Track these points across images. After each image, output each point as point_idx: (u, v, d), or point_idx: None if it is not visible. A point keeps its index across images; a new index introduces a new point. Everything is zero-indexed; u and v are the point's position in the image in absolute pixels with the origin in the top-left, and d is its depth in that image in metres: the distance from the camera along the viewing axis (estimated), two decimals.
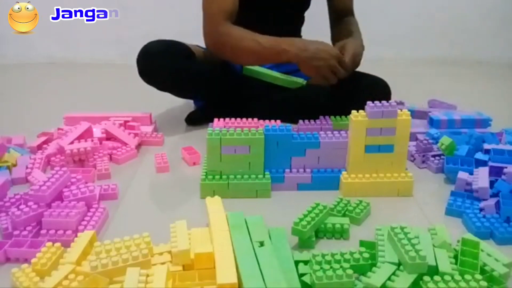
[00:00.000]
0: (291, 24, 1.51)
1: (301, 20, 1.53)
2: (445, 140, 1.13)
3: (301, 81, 1.40)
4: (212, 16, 1.25)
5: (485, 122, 1.33)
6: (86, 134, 1.19)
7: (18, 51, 2.42)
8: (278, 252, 0.74)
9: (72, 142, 1.14)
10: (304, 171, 1.04)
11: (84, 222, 0.86)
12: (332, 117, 1.32)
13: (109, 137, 1.26)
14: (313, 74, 1.18)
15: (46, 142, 1.24)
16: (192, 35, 1.48)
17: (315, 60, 1.15)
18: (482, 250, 0.75)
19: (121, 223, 0.92)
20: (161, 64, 1.27)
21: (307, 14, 1.52)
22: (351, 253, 0.73)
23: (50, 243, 0.77)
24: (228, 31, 1.23)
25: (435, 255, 0.74)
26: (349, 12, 1.46)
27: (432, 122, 1.32)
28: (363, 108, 0.99)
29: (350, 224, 0.87)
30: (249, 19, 1.36)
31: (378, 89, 1.32)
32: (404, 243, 0.72)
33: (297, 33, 1.55)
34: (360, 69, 1.31)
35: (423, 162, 1.17)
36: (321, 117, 1.31)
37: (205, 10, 1.26)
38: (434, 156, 1.17)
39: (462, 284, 0.67)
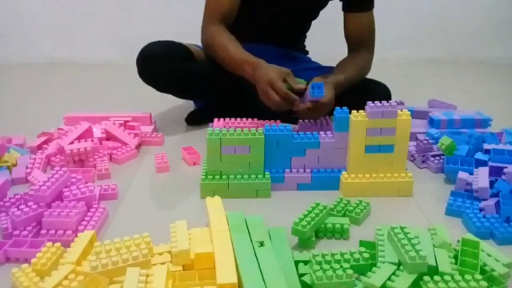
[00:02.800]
0: (297, 31, 1.50)
1: (307, 28, 1.53)
2: (445, 140, 1.13)
3: (301, 81, 1.39)
4: (207, 16, 1.29)
5: (485, 122, 1.33)
6: (86, 134, 1.19)
7: (18, 51, 2.42)
8: (278, 252, 0.74)
9: (72, 142, 1.14)
10: (304, 171, 1.04)
11: (84, 222, 0.86)
12: (332, 117, 1.32)
13: (109, 137, 1.25)
14: (261, 97, 1.15)
15: (46, 142, 1.24)
16: (192, 35, 1.48)
17: (256, 82, 1.14)
18: (482, 250, 0.75)
19: (121, 223, 0.92)
20: (160, 66, 1.28)
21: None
22: (351, 253, 0.74)
23: (50, 243, 0.77)
24: (215, 33, 1.26)
25: (435, 255, 0.74)
26: (364, 46, 1.35)
27: (432, 122, 1.32)
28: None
29: (350, 224, 0.87)
30: (256, 23, 1.37)
31: (379, 92, 1.32)
32: (404, 243, 0.72)
33: (301, 38, 1.55)
34: None
35: (423, 162, 1.17)
36: (321, 117, 1.31)
37: (205, 9, 1.30)
38: (434, 156, 1.17)
39: (462, 284, 0.67)
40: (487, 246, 0.78)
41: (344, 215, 0.91)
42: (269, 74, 1.11)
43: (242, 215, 0.81)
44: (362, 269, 0.73)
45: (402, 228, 0.75)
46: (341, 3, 1.35)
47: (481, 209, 0.93)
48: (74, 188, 0.91)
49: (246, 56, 1.20)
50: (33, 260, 0.73)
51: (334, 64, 1.45)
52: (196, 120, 1.46)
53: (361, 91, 1.26)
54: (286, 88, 1.11)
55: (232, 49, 1.22)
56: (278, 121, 1.31)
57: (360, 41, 1.35)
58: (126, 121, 1.33)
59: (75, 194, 0.90)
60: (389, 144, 1.00)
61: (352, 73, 1.26)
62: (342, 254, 0.73)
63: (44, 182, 0.89)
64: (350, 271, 0.68)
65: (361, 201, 0.95)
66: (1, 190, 0.96)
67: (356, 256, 0.73)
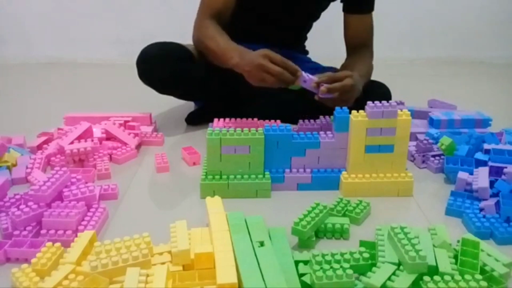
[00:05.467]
0: (298, 32, 1.51)
1: (308, 28, 1.53)
2: (445, 140, 1.13)
3: None
4: (200, 11, 1.29)
5: (485, 122, 1.33)
6: (86, 134, 1.19)
7: (18, 51, 2.42)
8: (278, 252, 0.74)
9: (72, 142, 1.14)
10: (304, 171, 1.04)
11: (84, 222, 0.86)
12: (332, 117, 1.32)
13: (109, 137, 1.26)
14: (252, 79, 1.11)
15: (46, 142, 1.24)
16: (192, 35, 1.48)
17: (247, 65, 1.10)
18: (482, 250, 0.75)
19: (121, 223, 0.92)
20: (160, 67, 1.27)
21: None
22: (351, 253, 0.74)
23: (50, 243, 0.77)
24: (205, 26, 1.25)
25: (435, 255, 0.74)
26: (365, 47, 1.36)
27: (432, 122, 1.32)
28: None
29: (350, 224, 0.87)
30: (256, 23, 1.37)
31: (379, 92, 1.32)
32: (404, 243, 0.72)
33: (302, 39, 1.55)
34: None
35: (423, 162, 1.17)
36: (321, 117, 1.31)
37: (199, 6, 1.30)
38: (434, 156, 1.17)
39: (462, 284, 0.67)
40: (487, 246, 0.78)
41: (344, 215, 0.91)
42: (258, 53, 1.09)
43: (242, 215, 0.81)
44: (362, 269, 0.73)
45: (402, 228, 0.75)
46: (341, 4, 1.35)
47: (481, 209, 0.93)
48: (74, 188, 0.91)
49: (232, 44, 1.20)
50: (33, 260, 0.73)
51: (334, 64, 1.46)
52: (196, 120, 1.46)
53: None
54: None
55: (220, 39, 1.21)
56: (278, 121, 1.31)
57: (360, 43, 1.35)
58: (126, 121, 1.33)
59: (75, 194, 0.90)
60: (389, 144, 1.00)
61: (363, 74, 1.26)
62: (342, 254, 0.73)
63: (44, 182, 0.89)
64: (350, 271, 0.68)
65: (361, 201, 0.95)
66: (1, 190, 0.96)
67: (356, 256, 0.73)
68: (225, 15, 1.29)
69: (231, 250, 0.71)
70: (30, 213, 0.85)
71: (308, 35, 1.56)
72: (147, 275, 0.66)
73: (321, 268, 0.69)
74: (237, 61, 1.14)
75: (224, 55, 1.18)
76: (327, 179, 1.03)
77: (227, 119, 1.26)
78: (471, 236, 0.77)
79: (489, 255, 0.75)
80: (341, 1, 1.35)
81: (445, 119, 1.31)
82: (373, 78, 1.36)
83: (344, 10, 1.35)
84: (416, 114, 1.41)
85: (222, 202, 0.85)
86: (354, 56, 1.35)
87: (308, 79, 1.10)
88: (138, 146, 1.26)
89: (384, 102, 0.97)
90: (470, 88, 2.01)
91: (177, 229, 0.77)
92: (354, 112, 1.00)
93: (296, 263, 0.73)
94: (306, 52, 1.59)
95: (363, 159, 1.01)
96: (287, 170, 1.04)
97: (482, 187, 0.95)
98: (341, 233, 0.86)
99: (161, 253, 0.75)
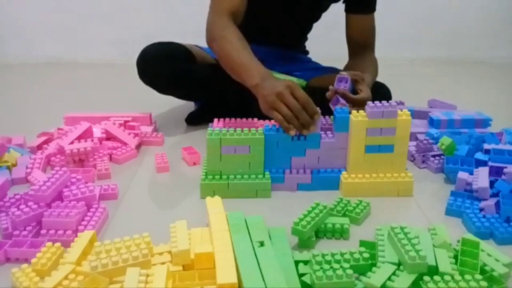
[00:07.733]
0: (299, 33, 1.51)
1: (309, 29, 1.53)
2: (445, 140, 1.13)
3: (301, 81, 1.39)
4: (216, 8, 1.21)
5: (485, 122, 1.33)
6: (86, 134, 1.19)
7: (18, 51, 2.42)
8: (278, 252, 0.74)
9: (72, 142, 1.14)
10: (304, 171, 1.04)
11: (84, 222, 0.86)
12: (332, 117, 1.31)
13: (109, 137, 1.26)
14: (265, 105, 1.02)
15: (46, 142, 1.24)
16: (192, 35, 1.48)
17: (266, 89, 1.01)
18: (482, 250, 0.75)
19: (121, 223, 0.92)
20: (160, 67, 1.27)
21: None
22: (351, 253, 0.74)
23: (50, 243, 0.77)
24: (222, 26, 1.16)
25: (435, 255, 0.74)
26: (368, 48, 1.35)
27: (432, 122, 1.32)
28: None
29: (350, 224, 0.87)
30: (257, 24, 1.36)
31: (379, 92, 1.32)
32: (404, 243, 0.72)
33: (303, 40, 1.55)
34: None
35: (423, 162, 1.17)
36: (321, 117, 1.31)
37: (212, 5, 1.23)
38: (434, 156, 1.17)
39: (462, 284, 0.67)
40: (487, 246, 0.78)
41: (344, 215, 0.91)
42: (283, 82, 1.01)
43: (242, 215, 0.81)
44: (362, 269, 0.73)
45: (402, 228, 0.75)
46: (342, 5, 1.35)
47: (481, 209, 0.93)
48: (74, 188, 0.91)
49: (255, 60, 1.09)
50: (33, 260, 0.73)
51: (334, 64, 1.46)
52: (196, 120, 1.46)
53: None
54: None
55: (242, 49, 1.11)
56: None
57: (362, 43, 1.35)
58: (126, 121, 1.33)
59: (75, 194, 0.90)
60: (389, 144, 1.00)
61: (372, 75, 1.25)
62: (342, 254, 0.73)
63: (44, 182, 0.89)
64: (350, 271, 0.68)
65: (361, 201, 0.95)
66: (1, 190, 0.96)
67: (356, 256, 0.73)
68: (241, 14, 1.22)
69: (231, 250, 0.71)
70: (30, 213, 0.85)
71: (309, 35, 1.56)
72: (147, 275, 0.66)
73: (321, 268, 0.69)
74: (257, 82, 1.04)
75: (244, 71, 1.08)
76: (327, 179, 1.03)
77: (227, 119, 1.26)
78: (471, 236, 0.77)
79: (489, 255, 0.75)
80: (343, 2, 1.35)
81: (445, 119, 1.31)
82: None
83: (346, 10, 1.35)
84: (416, 114, 1.41)
85: (222, 202, 0.85)
86: (359, 57, 1.34)
87: (338, 104, 1.06)
88: (138, 146, 1.26)
89: (384, 102, 0.97)
90: (470, 88, 2.01)
91: (177, 229, 0.77)
92: (354, 112, 1.00)
93: (296, 263, 0.73)
94: (307, 52, 1.59)
95: (363, 159, 1.01)
96: (287, 170, 1.04)
97: (482, 187, 0.95)
98: (341, 233, 0.86)
99: (161, 253, 0.75)
